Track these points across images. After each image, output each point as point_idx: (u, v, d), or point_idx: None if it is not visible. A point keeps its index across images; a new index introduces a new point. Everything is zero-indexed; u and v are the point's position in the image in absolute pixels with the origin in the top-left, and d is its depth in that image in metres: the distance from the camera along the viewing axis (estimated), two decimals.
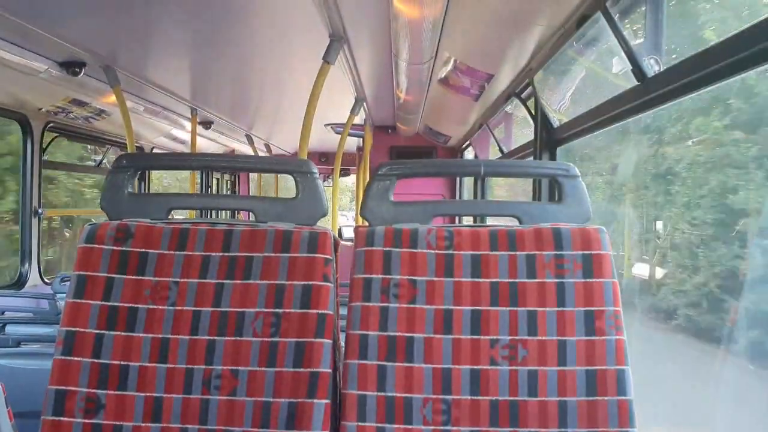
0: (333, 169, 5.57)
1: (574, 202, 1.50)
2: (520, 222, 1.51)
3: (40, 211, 4.38)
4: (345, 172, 9.72)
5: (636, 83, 1.94)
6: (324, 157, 9.20)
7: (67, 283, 2.07)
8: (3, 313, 3.21)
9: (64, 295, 1.53)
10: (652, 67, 1.88)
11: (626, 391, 1.35)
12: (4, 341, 2.74)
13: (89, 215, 6.94)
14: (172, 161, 2.12)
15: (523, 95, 3.49)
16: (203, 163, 2.20)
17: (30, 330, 2.94)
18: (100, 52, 3.39)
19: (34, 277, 4.38)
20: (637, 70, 1.91)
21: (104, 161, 5.65)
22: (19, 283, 4.33)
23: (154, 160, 1.96)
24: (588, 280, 1.40)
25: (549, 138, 3.01)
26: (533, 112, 3.20)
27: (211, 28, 3.10)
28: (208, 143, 7.34)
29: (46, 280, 4.46)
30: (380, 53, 3.53)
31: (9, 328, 2.82)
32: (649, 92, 1.86)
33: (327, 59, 2.90)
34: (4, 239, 5.47)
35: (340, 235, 7.50)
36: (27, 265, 4.33)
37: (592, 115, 2.41)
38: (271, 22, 3.03)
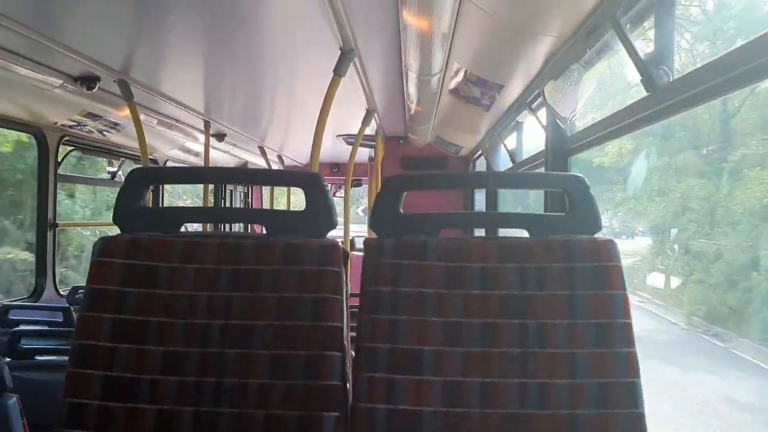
0: (345, 179, 5.58)
1: (585, 212, 1.49)
2: (530, 234, 1.50)
3: (56, 223, 4.43)
4: (357, 183, 9.73)
5: (646, 94, 1.94)
6: (336, 168, 9.23)
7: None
8: (18, 325, 3.23)
9: (79, 306, 1.55)
10: (662, 77, 1.87)
11: (638, 404, 1.34)
12: (19, 353, 2.77)
13: (104, 228, 7.01)
14: (184, 175, 2.15)
15: (534, 105, 3.49)
16: (215, 177, 2.21)
17: (45, 342, 2.97)
18: (114, 67, 3.44)
19: (49, 290, 4.42)
20: (647, 81, 1.90)
21: (119, 173, 5.71)
22: (35, 295, 4.37)
23: (167, 174, 1.98)
24: (598, 292, 1.39)
25: (560, 148, 3.01)
26: (544, 122, 3.19)
27: (223, 41, 3.14)
28: (221, 155, 7.39)
29: (61, 292, 4.50)
30: (391, 65, 3.55)
31: (24, 341, 2.84)
32: (660, 102, 1.85)
33: (338, 72, 2.92)
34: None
35: (352, 245, 7.47)
36: (43, 277, 4.37)
37: (602, 125, 2.40)
38: (283, 35, 3.05)
